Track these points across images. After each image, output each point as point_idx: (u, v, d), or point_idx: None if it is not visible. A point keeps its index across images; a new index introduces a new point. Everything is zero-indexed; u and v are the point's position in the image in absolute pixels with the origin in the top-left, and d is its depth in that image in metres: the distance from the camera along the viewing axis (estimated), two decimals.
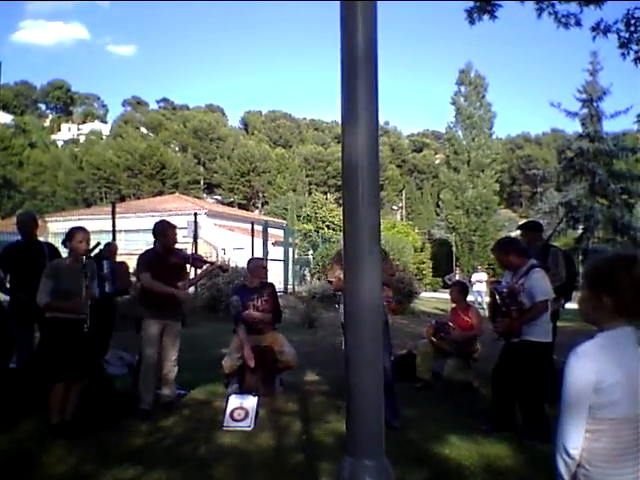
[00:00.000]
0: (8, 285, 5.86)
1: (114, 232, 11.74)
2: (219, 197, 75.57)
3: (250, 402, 5.33)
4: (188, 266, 6.21)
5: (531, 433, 4.76)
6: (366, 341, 1.97)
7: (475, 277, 22.47)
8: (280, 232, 22.58)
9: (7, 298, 5.94)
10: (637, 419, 1.78)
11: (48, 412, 4.81)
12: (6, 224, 18.06)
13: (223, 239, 26.30)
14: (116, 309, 7.87)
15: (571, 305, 6.16)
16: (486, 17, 8.55)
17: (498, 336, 5.09)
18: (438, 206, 54.93)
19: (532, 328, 4.79)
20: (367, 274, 1.98)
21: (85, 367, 4.93)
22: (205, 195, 75.43)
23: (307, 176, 77.29)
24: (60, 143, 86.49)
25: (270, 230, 19.65)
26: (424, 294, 23.67)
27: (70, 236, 4.98)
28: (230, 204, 65.89)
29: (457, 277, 23.38)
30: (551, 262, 5.90)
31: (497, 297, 5.00)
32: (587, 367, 1.76)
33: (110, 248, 8.03)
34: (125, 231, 14.05)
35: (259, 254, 15.90)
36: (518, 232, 6.65)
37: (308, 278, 21.47)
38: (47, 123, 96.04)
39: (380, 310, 2.04)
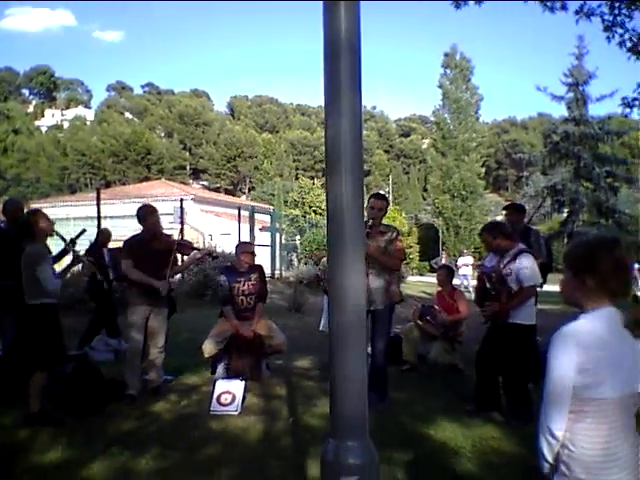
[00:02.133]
0: None
1: (99, 218, 11.66)
2: (205, 183, 75.19)
3: (237, 386, 5.34)
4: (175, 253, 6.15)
5: (515, 413, 4.85)
6: (350, 325, 1.99)
7: (461, 261, 22.63)
8: (267, 217, 22.50)
9: None
10: (621, 400, 1.79)
11: (29, 401, 4.75)
12: None
13: (210, 225, 26.19)
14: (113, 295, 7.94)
15: (548, 288, 6.25)
16: (472, 2, 8.55)
17: (486, 320, 5.12)
18: (425, 190, 55.10)
19: (517, 311, 4.84)
20: (351, 260, 2.00)
21: (64, 354, 4.90)
22: (191, 181, 75.01)
23: (294, 161, 77.09)
24: (44, 129, 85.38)
25: (257, 215, 19.60)
26: (411, 278, 23.81)
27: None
28: (217, 190, 65.61)
29: (443, 261, 23.53)
30: (533, 241, 6.05)
31: (486, 281, 5.04)
32: (571, 348, 1.77)
33: (104, 235, 7.99)
34: (110, 217, 13.91)
35: (246, 239, 15.86)
36: (504, 214, 6.74)
37: (295, 263, 21.47)
38: (31, 109, 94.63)
39: (363, 296, 2.06)
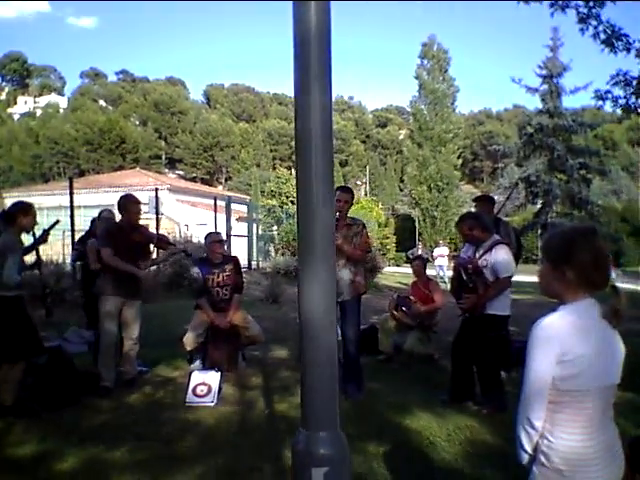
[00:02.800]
0: None
1: (72, 208, 11.46)
2: (181, 172, 74.48)
3: (213, 378, 5.33)
4: (152, 246, 6.11)
5: (488, 402, 4.92)
6: (318, 314, 1.99)
7: (437, 252, 22.81)
8: (244, 208, 22.41)
9: None
10: (600, 391, 1.81)
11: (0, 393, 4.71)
12: None
13: (186, 215, 26.00)
14: None
15: (518, 278, 6.34)
16: None
17: (463, 312, 5.15)
18: (402, 181, 55.30)
19: (493, 302, 4.89)
20: (321, 251, 2.00)
21: (32, 345, 4.83)
22: (167, 170, 74.23)
23: (271, 151, 76.76)
24: (16, 117, 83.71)
25: (234, 206, 19.48)
26: (388, 269, 23.91)
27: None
28: (193, 179, 65.04)
29: (420, 252, 23.69)
30: (503, 232, 6.10)
31: (463, 273, 5.08)
32: (551, 339, 1.77)
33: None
34: (84, 207, 13.70)
35: (222, 230, 15.77)
36: (474, 205, 6.83)
37: (272, 254, 21.42)
38: (3, 96, 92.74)
39: (333, 286, 2.06)
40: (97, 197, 20.38)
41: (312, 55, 1.95)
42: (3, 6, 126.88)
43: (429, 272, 8.04)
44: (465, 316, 5.17)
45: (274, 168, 58.12)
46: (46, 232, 5.32)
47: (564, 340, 1.77)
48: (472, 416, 4.79)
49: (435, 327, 7.14)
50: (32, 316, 4.98)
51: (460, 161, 43.60)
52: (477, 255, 5.04)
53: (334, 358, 2.04)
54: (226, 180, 73.31)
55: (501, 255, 4.90)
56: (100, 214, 6.68)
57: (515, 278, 6.34)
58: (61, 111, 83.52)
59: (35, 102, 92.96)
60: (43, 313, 5.46)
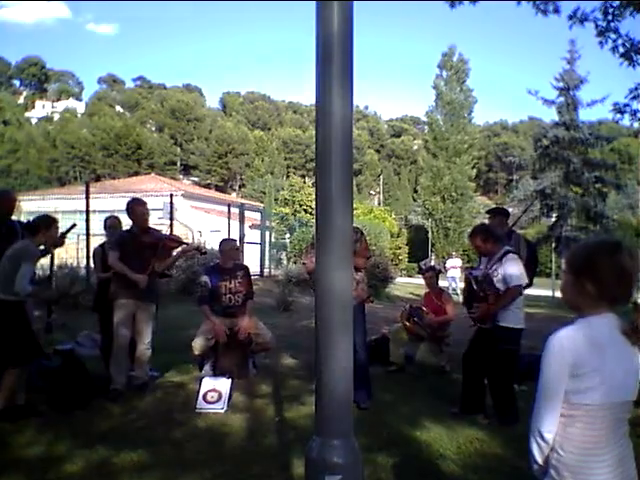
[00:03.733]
0: None
1: (87, 212, 11.56)
2: (196, 179, 74.88)
3: (223, 384, 5.34)
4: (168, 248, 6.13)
5: (500, 416, 4.87)
6: (336, 324, 2.00)
7: (450, 263, 22.70)
8: (257, 215, 22.46)
9: None
10: (613, 407, 1.79)
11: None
12: None
13: (199, 221, 26.09)
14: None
15: (534, 292, 6.30)
16: (466, 2, 8.55)
17: (474, 322, 5.13)
18: (415, 191, 55.16)
19: (506, 314, 4.87)
20: (338, 258, 2.01)
21: (31, 350, 4.85)
22: (182, 176, 74.69)
23: (285, 159, 76.98)
24: (34, 120, 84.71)
25: (247, 213, 19.53)
26: (400, 279, 23.85)
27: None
28: (207, 186, 65.34)
29: (432, 263, 23.61)
30: (514, 244, 6.11)
31: (473, 283, 5.06)
32: (566, 352, 1.76)
33: (110, 223, 7.87)
34: (99, 211, 13.81)
35: (235, 237, 15.82)
36: (487, 217, 6.81)
37: (284, 262, 21.43)
38: (21, 100, 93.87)
39: (350, 296, 2.06)
40: (112, 202, 20.52)
41: (334, 62, 1.97)
42: (22, 12, 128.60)
43: (441, 283, 8.01)
44: (477, 326, 5.15)
45: (288, 176, 58.33)
46: (63, 235, 5.37)
47: (579, 353, 1.76)
48: (483, 429, 4.75)
49: (447, 339, 7.10)
50: (31, 322, 4.99)
51: (475, 172, 43.49)
52: (488, 267, 5.03)
53: (349, 366, 2.05)
54: (240, 187, 73.59)
55: (511, 265, 4.89)
56: (106, 221, 6.71)
57: (529, 292, 6.31)
58: (78, 116, 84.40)
59: (53, 107, 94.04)
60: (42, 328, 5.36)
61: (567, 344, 1.78)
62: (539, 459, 1.84)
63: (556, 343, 1.79)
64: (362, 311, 5.54)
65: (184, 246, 6.36)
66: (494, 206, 11.82)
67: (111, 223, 6.63)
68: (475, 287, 5.05)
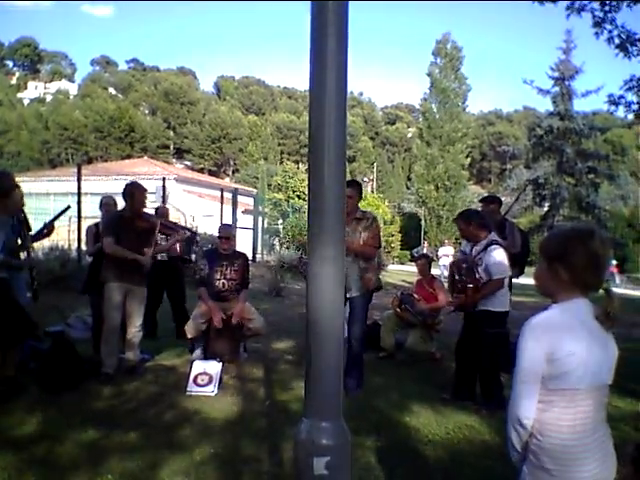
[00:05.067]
0: None
1: (79, 195, 11.48)
2: (189, 163, 74.55)
3: (214, 368, 5.36)
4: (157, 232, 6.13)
5: (488, 400, 4.92)
6: (326, 305, 2.00)
7: (442, 251, 22.80)
8: (250, 200, 22.41)
9: None
10: (590, 391, 1.81)
11: None
12: None
13: (192, 206, 25.98)
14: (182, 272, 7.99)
15: (524, 280, 6.34)
16: None
17: (454, 309, 5.20)
18: (409, 179, 55.18)
19: (491, 298, 4.89)
20: (331, 246, 2.00)
21: (19, 330, 4.84)
22: (174, 160, 74.31)
23: (279, 145, 76.73)
24: (26, 101, 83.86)
25: (240, 198, 19.48)
26: (392, 266, 23.93)
27: None
28: (200, 170, 65.03)
29: (424, 250, 23.68)
30: (508, 232, 6.18)
31: (456, 273, 5.09)
32: (541, 337, 1.78)
33: (161, 212, 7.91)
34: (91, 194, 13.72)
35: (229, 222, 15.79)
36: (480, 205, 6.86)
37: (277, 247, 21.43)
38: (14, 81, 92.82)
39: (342, 279, 2.06)
40: (105, 184, 20.40)
41: (329, 46, 1.95)
42: None
43: (433, 271, 8.04)
44: (456, 311, 5.22)
45: (281, 162, 58.14)
46: (57, 217, 5.35)
47: (554, 338, 1.77)
48: (471, 415, 4.79)
49: (438, 326, 7.14)
50: (17, 298, 4.92)
51: (468, 161, 43.51)
52: (474, 253, 5.04)
53: (340, 349, 2.05)
54: (233, 172, 73.36)
55: (495, 256, 4.88)
56: (101, 201, 6.73)
57: (520, 281, 6.35)
58: (71, 98, 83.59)
59: (45, 88, 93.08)
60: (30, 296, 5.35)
61: (542, 330, 1.79)
62: (517, 445, 1.86)
63: (531, 329, 1.81)
64: (366, 300, 5.46)
65: (181, 233, 6.40)
66: (487, 194, 11.81)
67: (106, 202, 6.65)
68: (457, 277, 5.06)
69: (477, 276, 4.92)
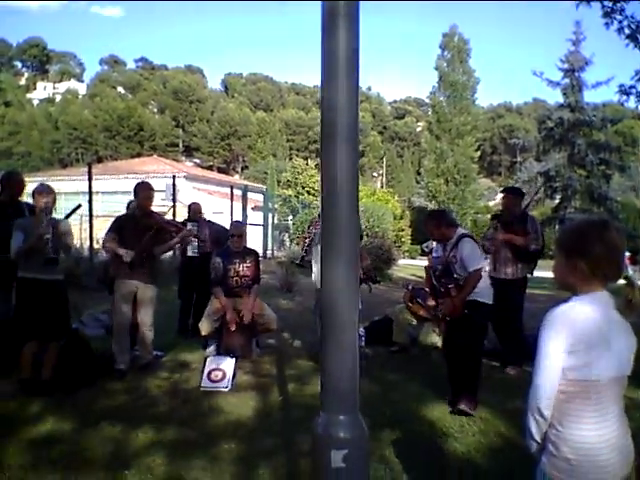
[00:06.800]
0: None
1: (90, 194, 11.55)
2: (198, 160, 74.72)
3: (228, 364, 5.38)
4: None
5: (463, 392, 4.68)
6: (341, 299, 2.00)
7: (436, 244, 22.61)
8: (260, 197, 22.45)
9: None
10: (610, 382, 1.81)
11: (20, 369, 4.86)
12: None
13: (202, 203, 26.05)
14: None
15: (539, 273, 6.29)
16: None
17: (443, 317, 5.05)
18: (419, 174, 55.00)
19: (477, 290, 4.76)
20: (345, 238, 2.01)
21: (60, 327, 4.95)
22: (184, 158, 74.51)
23: (288, 141, 76.71)
24: (36, 102, 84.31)
25: (250, 195, 19.53)
26: (402, 261, 23.83)
27: (32, 194, 5.06)
28: (209, 168, 65.21)
29: (434, 244, 23.54)
30: (530, 227, 6.02)
31: (433, 279, 5.04)
32: (562, 329, 1.78)
33: (194, 208, 8.00)
34: (102, 193, 13.83)
35: (239, 218, 15.82)
36: (499, 198, 6.77)
37: (287, 243, 21.47)
38: (23, 81, 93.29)
39: (357, 271, 2.06)
40: (115, 183, 20.53)
41: (340, 42, 1.95)
42: None
43: None
44: (447, 320, 5.00)
45: (290, 158, 58.14)
46: (68, 216, 5.38)
47: (575, 330, 1.78)
48: (486, 408, 4.77)
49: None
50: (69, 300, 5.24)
51: (478, 154, 43.21)
52: (446, 253, 4.97)
53: (355, 342, 2.05)
54: (242, 169, 73.44)
55: (466, 248, 4.79)
56: (128, 205, 6.82)
57: (536, 273, 6.29)
58: (80, 97, 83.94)
59: (54, 88, 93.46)
60: None
61: (563, 321, 1.80)
62: (537, 436, 1.86)
63: (552, 320, 1.81)
64: None
65: (185, 231, 6.43)
66: (502, 188, 11.58)
67: (134, 206, 6.71)
68: (435, 282, 5.00)
69: (455, 275, 4.83)
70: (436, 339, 6.92)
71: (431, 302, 6.88)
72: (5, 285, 5.49)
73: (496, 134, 78.05)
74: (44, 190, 5.00)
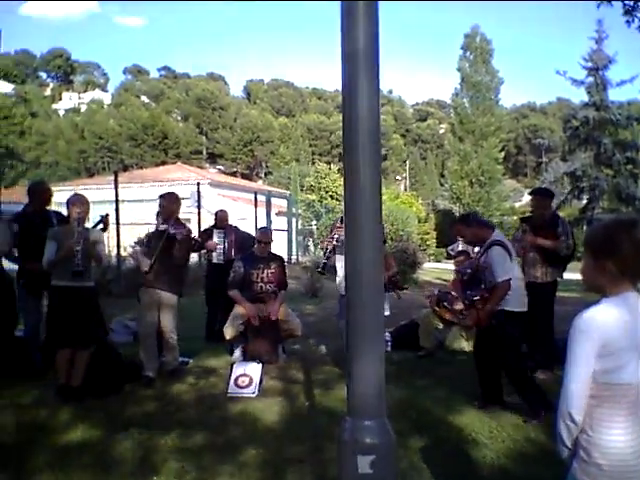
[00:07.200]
0: (17, 253, 5.85)
1: (117, 202, 11.72)
2: (222, 167, 75.22)
3: (254, 369, 5.39)
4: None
5: (530, 406, 4.63)
6: (367, 305, 2.00)
7: (478, 248, 22.44)
8: (283, 202, 22.54)
9: (14, 266, 5.94)
10: None
11: (56, 375, 4.96)
12: (9, 193, 18.05)
13: (227, 209, 26.24)
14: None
15: (567, 275, 6.17)
16: None
17: (469, 328, 4.99)
18: (442, 176, 54.69)
19: (506, 298, 4.62)
20: (368, 240, 2.00)
21: (89, 334, 5.02)
22: (208, 165, 75.08)
23: (310, 146, 76.82)
24: (62, 112, 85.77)
25: (273, 200, 19.63)
26: (428, 264, 23.69)
27: (66, 204, 5.14)
28: (233, 174, 65.60)
29: (460, 247, 23.36)
30: (562, 231, 5.82)
31: (459, 281, 4.96)
32: (592, 332, 1.75)
33: (220, 216, 8.09)
34: (128, 201, 13.99)
35: (263, 224, 15.89)
36: (526, 200, 6.65)
37: (312, 248, 21.50)
38: (48, 92, 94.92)
39: (381, 277, 2.06)
40: (141, 191, 20.78)
41: (360, 45, 1.95)
42: (51, 7, 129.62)
43: None
44: (475, 331, 4.96)
45: (313, 163, 58.19)
46: (95, 226, 5.48)
47: (606, 333, 1.75)
48: (516, 414, 4.70)
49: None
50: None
51: (503, 155, 42.79)
52: (478, 257, 4.87)
53: (381, 347, 2.05)
54: (266, 175, 73.74)
55: (495, 256, 4.62)
56: (157, 215, 7.00)
57: (565, 275, 6.15)
58: (105, 107, 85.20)
59: (79, 98, 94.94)
60: None
61: (593, 324, 1.76)
62: (568, 441, 1.83)
63: (582, 323, 1.78)
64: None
65: (209, 244, 6.54)
66: (538, 187, 11.22)
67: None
68: (463, 296, 4.92)
69: (482, 285, 4.71)
70: (464, 343, 6.86)
71: (458, 306, 6.83)
72: (36, 292, 5.64)
73: (520, 134, 77.22)
74: (78, 200, 5.10)
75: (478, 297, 4.73)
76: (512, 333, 4.70)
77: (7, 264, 6.10)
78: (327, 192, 33.96)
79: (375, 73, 2.00)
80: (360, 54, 1.96)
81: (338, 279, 6.15)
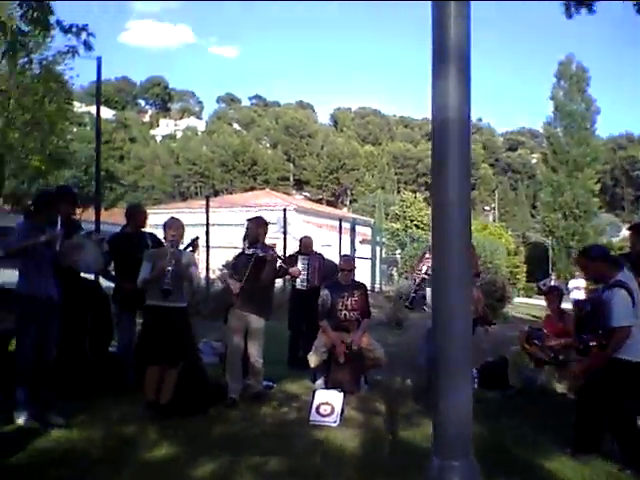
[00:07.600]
0: (113, 272, 6.19)
1: (207, 225, 12.12)
2: (308, 194, 76.45)
3: (336, 398, 5.35)
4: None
5: (629, 460, 4.29)
6: (455, 342, 1.95)
7: (573, 284, 21.40)
8: (368, 230, 22.56)
9: (111, 285, 6.26)
10: None
11: (144, 392, 5.12)
12: (108, 215, 19.09)
13: (312, 236, 26.56)
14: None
15: None
16: (584, 11, 8.14)
17: (577, 376, 4.71)
18: (534, 207, 53.01)
19: (624, 347, 4.31)
20: (457, 271, 1.95)
21: (178, 353, 5.17)
22: (294, 191, 76.53)
23: (396, 174, 76.72)
24: (159, 138, 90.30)
25: (358, 228, 19.66)
26: (517, 299, 22.91)
27: (163, 227, 5.39)
28: (319, 201, 66.49)
29: (553, 282, 22.43)
30: None
31: (575, 318, 4.71)
32: None
33: (305, 243, 8.26)
34: (218, 225, 14.44)
35: (347, 252, 15.93)
36: (625, 234, 6.30)
37: (395, 277, 21.30)
38: (147, 118, 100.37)
39: (469, 311, 2.00)
40: (230, 216, 21.40)
41: (450, 69, 1.95)
42: (149, 37, 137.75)
43: (564, 305, 7.56)
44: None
45: (399, 191, 58.08)
46: (185, 248, 5.67)
47: None
48: (609, 460, 4.38)
49: (571, 364, 6.66)
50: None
51: (599, 187, 41.02)
52: (600, 295, 4.58)
53: (469, 383, 1.98)
54: (351, 202, 74.17)
55: (615, 301, 4.32)
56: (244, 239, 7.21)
57: None
58: (199, 134, 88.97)
59: (175, 125, 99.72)
60: None
61: None
62: None
63: None
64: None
65: (293, 270, 6.67)
66: (628, 224, 10.69)
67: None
68: (579, 341, 4.65)
69: (600, 331, 4.45)
70: (556, 384, 6.52)
71: (552, 342, 6.51)
72: (131, 310, 5.93)
73: (618, 166, 73.73)
74: (174, 224, 5.34)
75: (595, 343, 4.47)
76: (621, 383, 4.37)
77: (104, 282, 6.45)
78: (412, 221, 33.68)
79: (467, 103, 1.97)
80: (450, 86, 1.94)
81: (428, 310, 6.03)
